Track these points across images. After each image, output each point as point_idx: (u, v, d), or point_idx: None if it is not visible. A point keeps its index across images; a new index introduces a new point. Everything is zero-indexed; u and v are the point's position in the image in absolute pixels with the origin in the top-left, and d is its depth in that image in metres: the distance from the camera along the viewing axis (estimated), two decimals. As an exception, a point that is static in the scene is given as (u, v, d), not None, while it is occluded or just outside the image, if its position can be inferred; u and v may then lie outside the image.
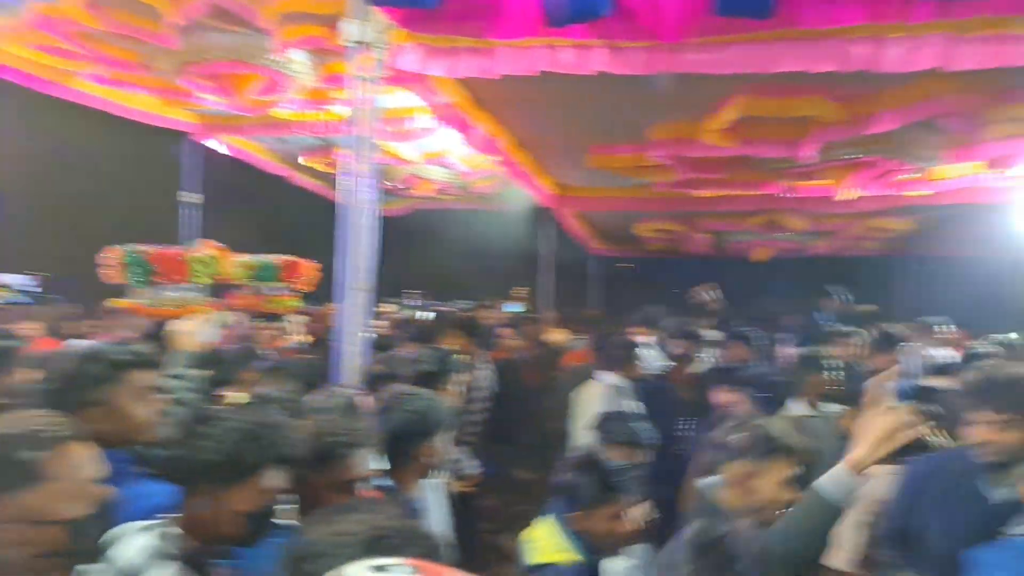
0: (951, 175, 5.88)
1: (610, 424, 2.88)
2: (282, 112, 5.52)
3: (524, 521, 2.33)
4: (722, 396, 3.82)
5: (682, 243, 9.95)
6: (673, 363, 4.65)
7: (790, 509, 1.90)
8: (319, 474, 1.75)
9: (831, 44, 3.08)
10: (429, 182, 7.07)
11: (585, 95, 4.40)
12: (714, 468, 2.31)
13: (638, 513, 2.14)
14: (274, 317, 5.70)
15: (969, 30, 2.96)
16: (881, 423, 1.87)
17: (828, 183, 5.46)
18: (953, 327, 6.77)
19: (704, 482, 2.33)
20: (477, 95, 4.46)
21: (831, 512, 1.82)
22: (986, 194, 6.60)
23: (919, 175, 5.64)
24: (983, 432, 2.09)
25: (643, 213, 8.13)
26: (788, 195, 6.58)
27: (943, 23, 2.88)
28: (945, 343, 6.29)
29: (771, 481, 2.15)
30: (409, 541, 0.97)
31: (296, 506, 1.67)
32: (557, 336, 6.45)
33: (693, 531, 1.86)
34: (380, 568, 0.82)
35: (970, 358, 4.63)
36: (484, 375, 4.46)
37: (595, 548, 2.12)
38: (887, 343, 4.99)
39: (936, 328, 6.58)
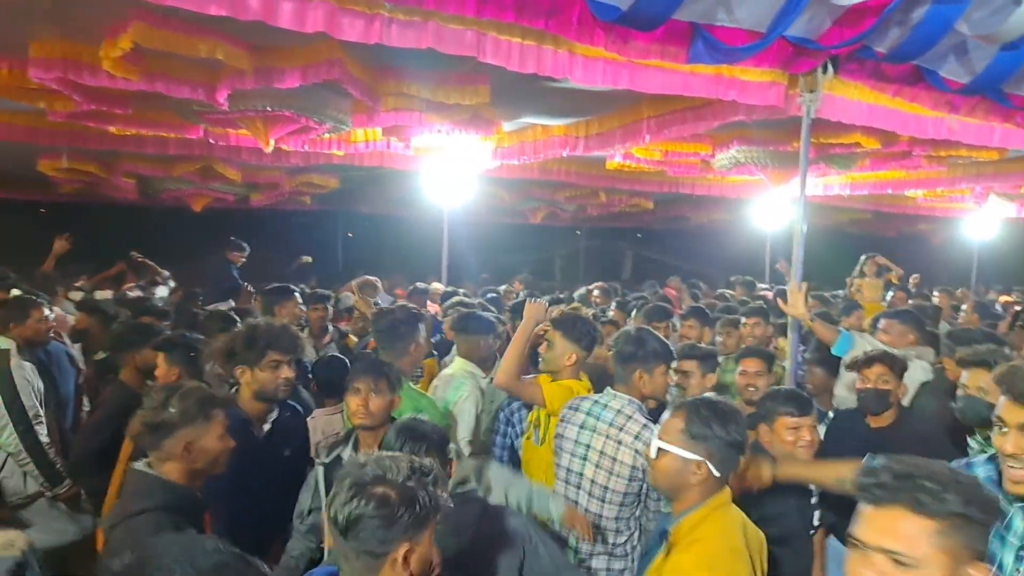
0: (364, 139, 6.52)
1: None
2: None
3: None
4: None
5: (104, 187, 8.75)
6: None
7: None
8: None
9: (222, -15, 2.93)
10: None
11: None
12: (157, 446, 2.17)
13: None
14: None
15: (349, 3, 3.19)
16: None
17: (251, 134, 5.40)
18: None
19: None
20: None
21: None
22: (397, 160, 7.55)
23: (336, 135, 6.08)
24: None
25: (39, 147, 6.76)
26: (218, 143, 6.33)
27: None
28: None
29: (216, 436, 2.20)
30: None
31: None
32: None
33: None
34: None
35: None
36: None
37: None
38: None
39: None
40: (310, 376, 4.26)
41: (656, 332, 3.21)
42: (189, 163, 7.52)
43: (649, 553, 2.18)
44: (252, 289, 7.54)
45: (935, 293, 9.23)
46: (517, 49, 3.56)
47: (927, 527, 1.30)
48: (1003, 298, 10.71)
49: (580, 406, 2.98)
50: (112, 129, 5.84)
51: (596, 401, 2.95)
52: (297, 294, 5.10)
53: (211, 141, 6.23)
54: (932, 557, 1.28)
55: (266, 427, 2.97)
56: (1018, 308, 7.21)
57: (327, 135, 5.91)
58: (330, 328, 5.75)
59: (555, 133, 6.50)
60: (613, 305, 6.73)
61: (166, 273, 7.12)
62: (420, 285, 7.74)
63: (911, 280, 9.34)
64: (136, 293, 6.67)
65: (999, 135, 5.02)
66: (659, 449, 2.05)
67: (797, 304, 3.83)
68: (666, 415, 2.13)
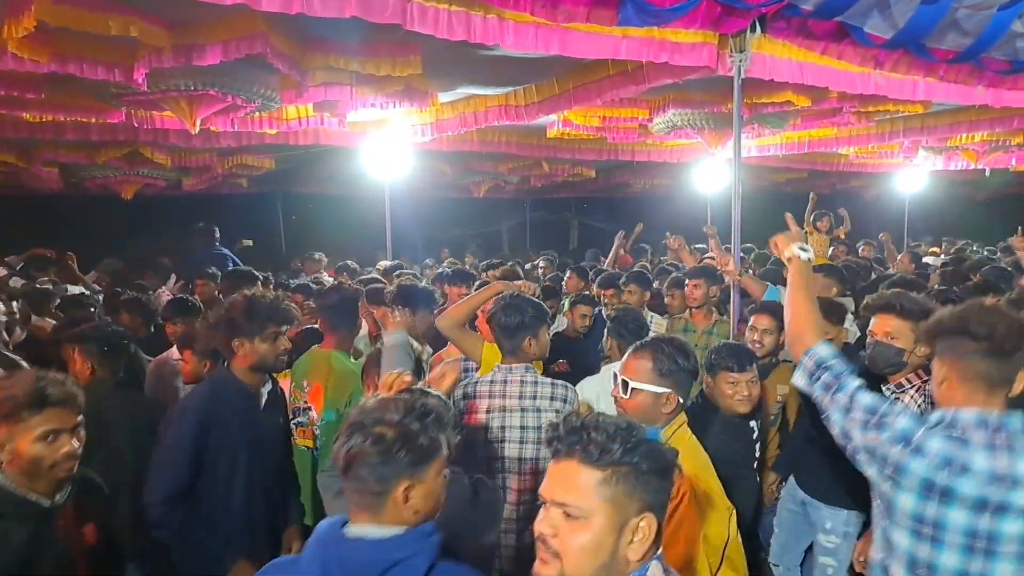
0: (297, 116, 6.32)
1: None
2: None
3: None
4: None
5: (25, 178, 8.29)
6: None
7: None
8: None
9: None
10: None
11: None
12: None
13: None
14: None
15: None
16: None
17: (176, 115, 5.18)
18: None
19: None
20: None
21: None
22: (333, 137, 7.36)
23: (266, 113, 5.88)
24: None
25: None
26: (143, 126, 6.05)
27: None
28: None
29: (28, 440, 1.95)
30: None
31: None
32: None
33: None
34: None
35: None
36: None
37: None
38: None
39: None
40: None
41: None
42: (113, 149, 7.19)
43: None
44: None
45: (859, 246, 9.59)
46: (444, 16, 3.49)
47: (593, 477, 1.30)
48: (932, 250, 11.17)
49: (476, 392, 2.85)
50: (26, 116, 5.55)
51: (492, 381, 2.86)
52: (260, 280, 5.01)
53: (135, 125, 5.96)
54: (598, 507, 1.28)
55: (263, 399, 2.94)
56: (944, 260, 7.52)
57: (257, 113, 5.71)
58: None
59: (493, 102, 6.43)
60: (568, 274, 6.72)
61: (93, 275, 6.78)
62: (349, 263, 7.60)
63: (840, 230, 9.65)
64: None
65: (922, 88, 5.18)
66: (632, 389, 2.25)
67: (728, 260, 3.98)
68: (630, 356, 2.33)
